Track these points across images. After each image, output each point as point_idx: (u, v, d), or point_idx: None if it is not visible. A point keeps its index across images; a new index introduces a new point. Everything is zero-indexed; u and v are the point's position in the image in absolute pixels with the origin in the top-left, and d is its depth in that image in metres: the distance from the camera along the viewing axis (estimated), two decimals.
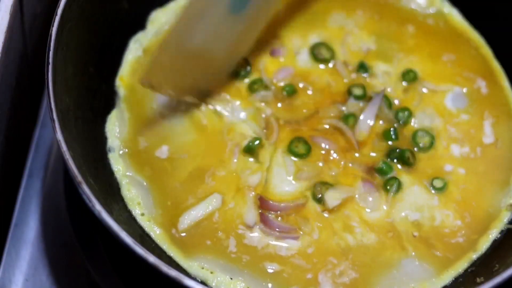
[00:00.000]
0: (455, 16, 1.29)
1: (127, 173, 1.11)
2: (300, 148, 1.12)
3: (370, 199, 1.09)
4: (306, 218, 1.07)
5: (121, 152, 1.12)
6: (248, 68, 1.20)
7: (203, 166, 1.11)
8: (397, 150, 1.13)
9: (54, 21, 1.03)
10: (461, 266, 1.06)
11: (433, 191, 1.11)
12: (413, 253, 1.06)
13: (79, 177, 0.94)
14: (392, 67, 1.22)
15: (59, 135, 0.97)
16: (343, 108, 1.17)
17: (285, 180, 1.11)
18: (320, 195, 1.08)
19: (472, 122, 1.18)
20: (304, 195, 1.09)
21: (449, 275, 1.05)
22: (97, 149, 1.12)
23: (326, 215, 1.08)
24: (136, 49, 1.21)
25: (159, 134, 1.14)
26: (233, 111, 1.16)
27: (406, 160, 1.12)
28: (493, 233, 1.09)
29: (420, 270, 1.05)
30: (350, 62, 1.22)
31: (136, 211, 1.08)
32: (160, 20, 1.25)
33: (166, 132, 1.14)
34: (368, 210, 1.09)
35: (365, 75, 1.20)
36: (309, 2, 1.28)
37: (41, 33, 1.23)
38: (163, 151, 1.12)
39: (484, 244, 1.08)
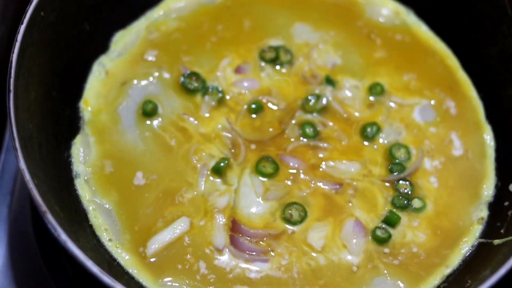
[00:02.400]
0: (420, 27, 1.29)
1: (94, 199, 1.09)
2: (268, 167, 1.12)
3: (354, 241, 1.07)
4: (276, 240, 1.07)
5: (86, 177, 1.11)
6: (214, 85, 1.19)
7: (171, 188, 1.10)
8: (405, 201, 1.11)
9: (14, 48, 1.02)
10: (433, 282, 1.06)
11: (411, 210, 1.12)
12: (385, 271, 1.06)
13: (43, 207, 0.93)
14: (359, 81, 1.22)
15: (22, 164, 0.95)
16: (308, 116, 1.17)
17: (254, 201, 1.10)
18: (290, 217, 1.08)
19: (441, 135, 1.19)
20: (273, 216, 1.09)
21: None
22: (63, 175, 1.10)
23: (296, 236, 1.08)
24: (99, 72, 1.20)
25: (125, 158, 1.13)
26: (198, 129, 1.16)
27: (411, 206, 1.12)
28: (465, 248, 1.10)
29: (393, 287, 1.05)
30: (318, 73, 1.22)
31: (104, 237, 1.07)
32: (123, 42, 1.24)
33: (132, 156, 1.13)
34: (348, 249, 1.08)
35: (330, 88, 1.20)
36: (274, 15, 1.28)
37: (1, 58, 1.21)
38: (137, 176, 1.11)
39: (456, 259, 1.09)
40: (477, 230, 1.11)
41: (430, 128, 1.19)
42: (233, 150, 1.14)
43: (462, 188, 1.14)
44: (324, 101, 1.18)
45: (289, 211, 1.09)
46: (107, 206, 1.09)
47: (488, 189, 1.15)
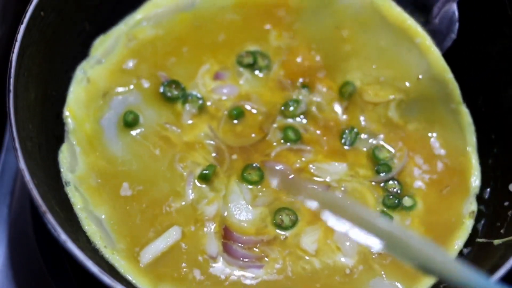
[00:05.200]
0: (390, 6, 1.25)
1: (86, 207, 1.07)
2: (253, 175, 1.11)
3: (348, 243, 1.07)
4: (270, 246, 1.07)
5: (76, 186, 1.09)
6: (194, 92, 1.18)
7: (160, 198, 1.09)
8: (395, 200, 1.12)
9: (14, 48, 1.02)
10: (430, 280, 1.06)
11: (402, 209, 1.12)
12: (382, 272, 1.06)
13: (43, 207, 0.93)
14: (332, 81, 1.20)
15: (22, 164, 0.95)
16: (289, 120, 1.16)
17: (244, 208, 1.10)
18: (281, 223, 1.08)
19: (420, 131, 1.18)
20: (264, 222, 1.08)
21: None
22: (63, 175, 1.10)
23: (289, 240, 1.07)
24: (82, 79, 1.17)
25: (111, 170, 1.11)
26: (181, 137, 1.14)
27: (401, 205, 1.12)
28: (459, 243, 1.10)
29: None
30: (293, 79, 1.20)
31: (99, 243, 1.05)
32: (102, 48, 1.20)
33: (117, 167, 1.11)
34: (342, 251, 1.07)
35: (305, 91, 1.19)
36: (251, 21, 1.25)
37: (1, 58, 1.22)
38: (123, 187, 1.10)
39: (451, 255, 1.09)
40: (469, 224, 1.12)
41: (408, 125, 1.18)
42: (217, 157, 1.13)
43: (448, 183, 1.14)
44: (303, 106, 1.17)
45: (280, 217, 1.08)
46: (98, 215, 1.07)
47: (474, 182, 1.15)
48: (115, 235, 1.06)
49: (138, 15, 1.23)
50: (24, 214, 1.21)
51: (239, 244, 1.06)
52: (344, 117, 1.18)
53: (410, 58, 1.22)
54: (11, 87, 0.99)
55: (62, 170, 1.09)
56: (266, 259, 1.05)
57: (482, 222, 1.13)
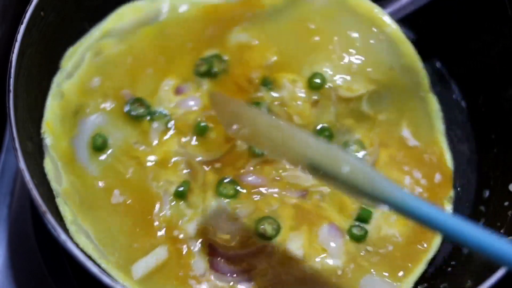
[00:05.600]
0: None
1: (75, 221, 1.04)
2: (229, 189, 1.08)
3: (333, 244, 1.07)
4: (256, 258, 1.05)
5: (64, 199, 1.05)
6: (159, 109, 1.14)
7: (141, 217, 1.06)
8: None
9: (14, 48, 1.02)
10: (420, 270, 1.08)
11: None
12: (371, 269, 1.06)
13: (43, 207, 0.93)
14: (298, 75, 1.16)
15: (22, 164, 0.96)
16: None
17: (224, 222, 1.07)
18: (265, 232, 1.06)
19: (391, 121, 1.17)
20: (247, 234, 1.06)
21: (411, 281, 1.06)
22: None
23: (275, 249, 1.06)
24: (56, 92, 1.12)
25: (91, 189, 1.07)
26: (151, 156, 1.10)
27: None
28: None
29: (382, 284, 1.05)
30: (254, 77, 1.16)
31: (93, 254, 1.02)
32: (72, 61, 1.15)
33: (96, 186, 1.08)
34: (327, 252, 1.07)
35: (266, 89, 1.15)
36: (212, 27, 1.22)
37: (1, 58, 1.22)
38: (103, 206, 1.07)
39: (435, 242, 1.10)
40: (448, 210, 1.13)
41: (379, 115, 1.17)
42: (191, 173, 1.10)
43: (422, 170, 1.14)
44: (264, 109, 1.12)
45: (262, 226, 1.06)
46: (86, 230, 1.04)
47: (448, 166, 1.16)
48: (104, 249, 1.03)
49: (103, 26, 1.18)
50: (24, 214, 1.21)
51: (226, 260, 1.04)
52: (314, 114, 1.15)
53: (381, 48, 1.19)
54: (11, 87, 0.99)
55: (50, 181, 1.05)
56: (254, 271, 1.04)
57: (482, 222, 1.13)
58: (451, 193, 1.15)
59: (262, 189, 1.09)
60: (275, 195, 1.09)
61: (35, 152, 1.03)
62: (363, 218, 1.09)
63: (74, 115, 1.11)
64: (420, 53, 1.23)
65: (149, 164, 1.10)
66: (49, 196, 1.01)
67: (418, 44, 1.23)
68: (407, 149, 1.16)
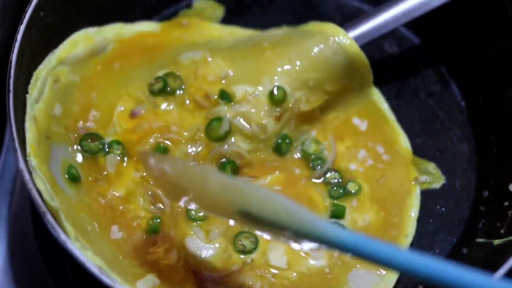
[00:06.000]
0: None
1: (77, 238, 0.99)
2: (198, 212, 1.06)
3: (313, 246, 1.02)
4: (242, 274, 1.03)
5: (63, 218, 0.99)
6: (112, 139, 1.09)
7: (124, 252, 1.02)
8: (340, 190, 1.12)
9: (14, 48, 1.02)
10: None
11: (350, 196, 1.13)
12: (357, 265, 1.06)
13: (43, 207, 0.93)
14: (256, 87, 1.13)
15: (22, 164, 0.95)
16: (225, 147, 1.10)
17: (201, 246, 1.04)
18: (244, 248, 1.05)
19: (340, 117, 1.19)
20: (227, 252, 1.05)
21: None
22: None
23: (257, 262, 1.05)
24: (30, 114, 1.04)
25: (75, 213, 1.02)
26: (112, 191, 1.06)
27: (348, 192, 1.13)
28: (414, 211, 1.13)
29: (369, 275, 1.05)
30: (211, 92, 1.12)
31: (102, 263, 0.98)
32: (36, 86, 1.08)
33: (80, 212, 1.03)
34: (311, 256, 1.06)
35: (229, 103, 1.11)
36: (164, 49, 1.20)
37: (1, 58, 1.22)
38: (90, 231, 1.02)
39: (410, 226, 1.11)
40: (416, 190, 1.15)
41: (329, 115, 1.19)
42: (155, 203, 1.06)
43: (382, 154, 1.16)
44: (226, 125, 1.10)
45: (240, 242, 1.05)
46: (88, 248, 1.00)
47: (404, 147, 1.18)
48: (108, 267, 0.98)
49: (58, 53, 1.13)
50: (24, 214, 1.21)
51: (212, 282, 1.02)
52: (277, 126, 1.13)
53: (333, 57, 1.16)
54: (11, 87, 0.99)
55: (46, 201, 0.97)
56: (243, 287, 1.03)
57: (482, 222, 1.13)
58: (414, 173, 1.16)
59: None
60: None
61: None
62: (338, 214, 1.10)
63: (46, 139, 1.05)
64: (421, 53, 1.23)
65: (113, 200, 1.06)
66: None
67: (419, 45, 1.23)
68: (361, 134, 1.18)
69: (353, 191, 1.13)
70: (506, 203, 1.11)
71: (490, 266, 0.98)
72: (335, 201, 1.11)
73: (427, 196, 1.17)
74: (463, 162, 1.21)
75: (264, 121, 1.12)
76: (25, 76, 1.04)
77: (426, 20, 1.27)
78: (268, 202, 0.86)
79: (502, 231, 1.08)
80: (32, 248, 1.17)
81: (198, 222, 1.06)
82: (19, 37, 1.02)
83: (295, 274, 1.05)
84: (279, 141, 1.14)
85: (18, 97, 1.00)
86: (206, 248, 1.04)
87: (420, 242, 1.13)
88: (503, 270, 0.95)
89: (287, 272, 1.05)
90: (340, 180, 1.14)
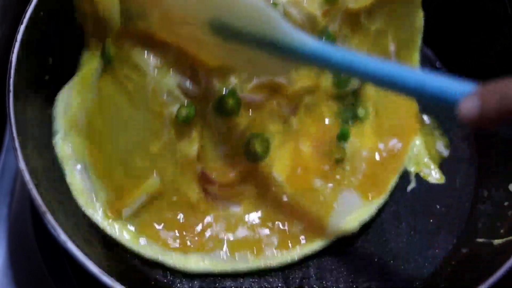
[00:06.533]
0: None
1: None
2: (230, 102, 1.00)
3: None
4: (244, 182, 1.06)
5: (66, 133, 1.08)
6: None
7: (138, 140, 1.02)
8: (351, 114, 1.14)
9: (14, 48, 1.02)
10: (392, 182, 1.14)
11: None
12: (351, 188, 1.10)
13: (43, 207, 0.93)
14: None
15: (22, 164, 0.96)
16: None
17: (218, 144, 1.04)
18: (255, 150, 1.04)
19: (380, 33, 1.17)
20: (237, 153, 1.05)
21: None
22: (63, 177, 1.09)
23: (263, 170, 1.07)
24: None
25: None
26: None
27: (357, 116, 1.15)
28: (417, 142, 1.17)
29: (355, 200, 1.09)
30: None
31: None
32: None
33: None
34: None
35: None
36: None
37: (1, 58, 1.22)
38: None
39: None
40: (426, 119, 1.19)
41: (372, 26, 1.16)
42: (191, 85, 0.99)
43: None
44: (281, 9, 1.05)
45: (253, 144, 1.04)
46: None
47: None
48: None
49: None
50: (24, 214, 1.21)
51: (218, 186, 1.05)
52: (324, 20, 1.09)
53: None
54: (11, 87, 0.99)
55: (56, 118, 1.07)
56: (243, 195, 1.07)
57: (482, 222, 1.13)
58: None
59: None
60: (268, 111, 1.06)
61: (35, 152, 1.03)
62: (343, 136, 1.12)
63: None
64: (420, 53, 1.23)
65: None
66: (49, 196, 1.01)
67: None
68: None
69: (360, 116, 1.14)
70: (506, 203, 1.11)
71: (490, 266, 0.98)
72: (343, 122, 1.13)
73: (427, 195, 1.17)
74: (463, 162, 1.21)
75: (312, 14, 1.08)
76: (25, 76, 1.04)
77: (425, 19, 1.27)
78: (241, 7, 0.83)
79: (502, 231, 1.08)
80: (32, 248, 1.17)
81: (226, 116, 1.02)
82: (19, 37, 1.02)
83: (289, 189, 1.08)
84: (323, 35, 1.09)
85: (18, 97, 1.00)
86: (222, 149, 1.05)
87: (419, 242, 1.13)
88: (503, 270, 0.95)
89: (285, 185, 1.07)
90: (353, 103, 1.15)
